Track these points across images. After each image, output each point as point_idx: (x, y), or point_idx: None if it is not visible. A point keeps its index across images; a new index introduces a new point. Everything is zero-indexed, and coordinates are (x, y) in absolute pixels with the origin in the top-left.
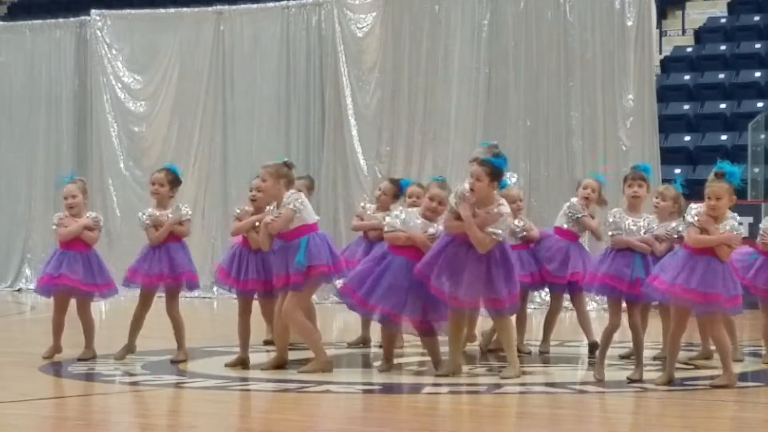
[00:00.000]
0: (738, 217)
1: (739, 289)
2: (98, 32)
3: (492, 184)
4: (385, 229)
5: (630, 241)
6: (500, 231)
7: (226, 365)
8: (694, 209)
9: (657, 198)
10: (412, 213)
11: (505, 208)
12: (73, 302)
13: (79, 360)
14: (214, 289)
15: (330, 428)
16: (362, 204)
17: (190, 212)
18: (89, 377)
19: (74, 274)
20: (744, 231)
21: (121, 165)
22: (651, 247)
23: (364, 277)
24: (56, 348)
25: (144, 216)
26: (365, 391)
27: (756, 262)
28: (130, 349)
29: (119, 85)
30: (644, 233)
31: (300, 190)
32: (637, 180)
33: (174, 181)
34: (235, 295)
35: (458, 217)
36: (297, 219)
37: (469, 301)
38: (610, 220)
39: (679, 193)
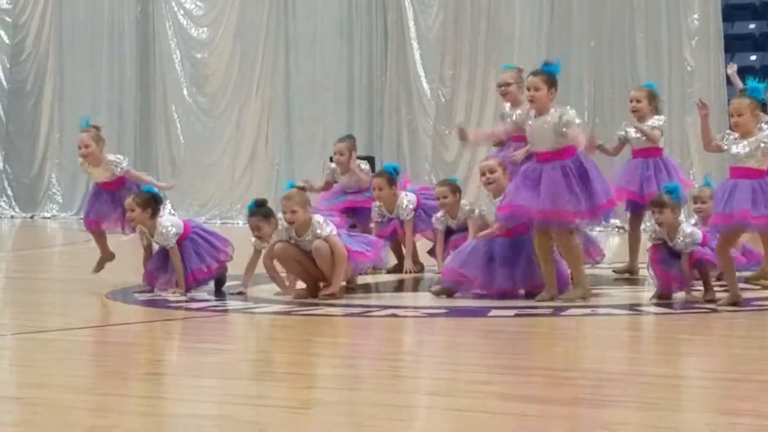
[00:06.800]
0: None
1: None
2: None
3: (551, 92)
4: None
5: None
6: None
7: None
8: None
9: (632, 102)
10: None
11: (569, 114)
12: None
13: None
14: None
15: (395, 352)
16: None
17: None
18: (155, 304)
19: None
20: None
21: (185, 92)
22: None
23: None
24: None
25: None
26: (430, 315)
27: None
28: None
29: (181, 12)
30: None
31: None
32: (655, 207)
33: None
34: None
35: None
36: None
37: (549, 209)
38: None
39: (651, 90)
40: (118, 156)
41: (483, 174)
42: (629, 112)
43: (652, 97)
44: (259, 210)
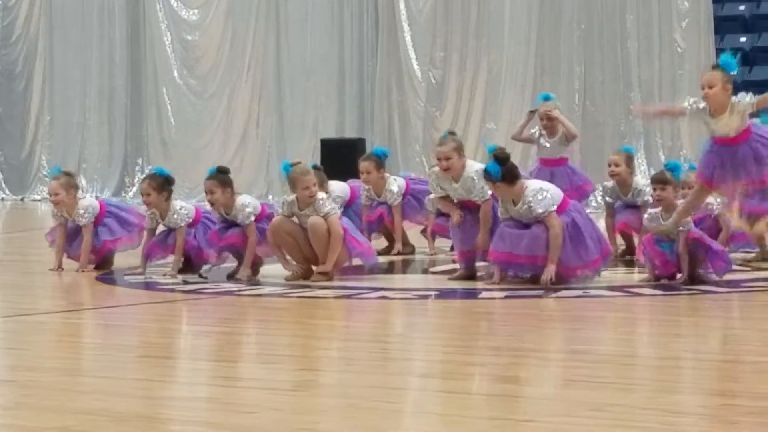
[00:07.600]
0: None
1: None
2: None
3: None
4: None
5: None
6: None
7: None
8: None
9: (611, 166)
10: None
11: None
12: None
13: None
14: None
15: (387, 333)
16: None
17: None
18: (147, 286)
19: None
20: None
21: (175, 74)
22: None
23: None
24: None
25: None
26: (421, 297)
27: None
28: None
29: None
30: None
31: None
32: (658, 184)
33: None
34: None
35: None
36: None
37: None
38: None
39: (629, 154)
40: (88, 207)
41: (439, 159)
42: (609, 175)
43: (630, 160)
44: (218, 175)
